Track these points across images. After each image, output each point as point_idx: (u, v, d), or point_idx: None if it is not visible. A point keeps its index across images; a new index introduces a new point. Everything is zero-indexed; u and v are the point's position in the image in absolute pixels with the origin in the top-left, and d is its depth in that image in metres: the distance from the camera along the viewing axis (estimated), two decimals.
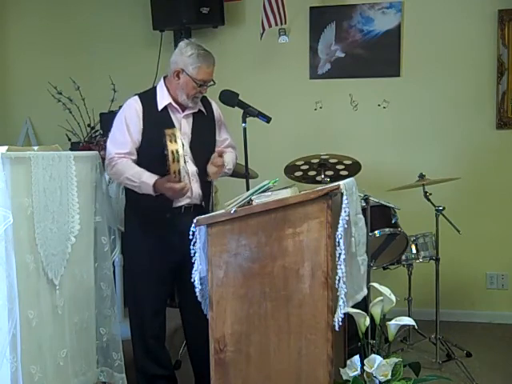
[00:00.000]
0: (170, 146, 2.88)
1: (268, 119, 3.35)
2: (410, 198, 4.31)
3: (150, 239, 3.14)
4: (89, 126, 4.84)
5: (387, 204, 3.86)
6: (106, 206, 3.20)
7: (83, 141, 4.77)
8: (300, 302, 2.53)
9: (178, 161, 2.88)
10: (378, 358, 2.52)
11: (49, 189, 2.70)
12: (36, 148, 2.77)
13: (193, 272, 2.73)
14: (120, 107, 3.26)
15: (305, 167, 4.20)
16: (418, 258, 4.10)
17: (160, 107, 3.14)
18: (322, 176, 4.11)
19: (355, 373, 2.52)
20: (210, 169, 3.16)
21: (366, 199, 3.56)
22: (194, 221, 2.67)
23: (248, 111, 3.32)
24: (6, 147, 2.48)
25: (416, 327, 3.83)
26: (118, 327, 3.18)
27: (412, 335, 4.19)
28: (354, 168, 4.18)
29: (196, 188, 3.15)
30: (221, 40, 4.93)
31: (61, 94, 4.80)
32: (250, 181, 3.41)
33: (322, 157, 4.11)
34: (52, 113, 4.97)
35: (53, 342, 2.73)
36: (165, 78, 3.22)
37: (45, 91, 4.86)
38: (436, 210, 3.90)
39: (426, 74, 4.76)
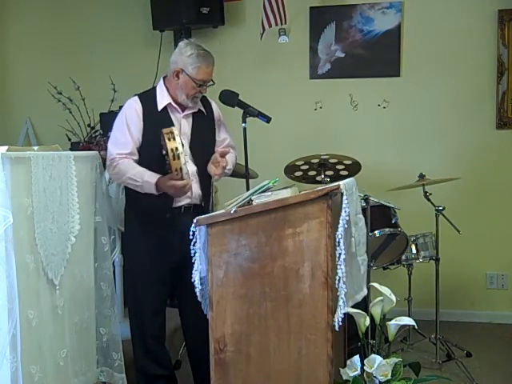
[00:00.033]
0: (169, 145, 2.87)
1: (268, 119, 3.35)
2: (410, 198, 4.31)
3: (150, 239, 3.14)
4: (89, 125, 4.84)
5: (387, 204, 3.86)
6: (106, 205, 3.20)
7: (83, 141, 4.77)
8: (300, 302, 2.53)
9: (179, 158, 2.88)
10: (378, 358, 2.52)
11: (49, 189, 2.70)
12: (36, 148, 2.77)
13: (193, 272, 2.73)
14: (120, 107, 3.26)
15: (305, 167, 4.20)
16: (418, 258, 4.10)
17: (160, 107, 3.14)
18: (322, 176, 4.11)
19: (355, 373, 2.52)
20: (211, 169, 3.15)
21: (366, 199, 3.57)
22: (194, 221, 2.67)
23: (248, 111, 3.32)
24: (5, 147, 2.48)
25: (416, 327, 3.83)
26: (118, 327, 3.18)
27: (412, 335, 4.19)
28: (353, 168, 4.18)
29: (196, 188, 3.14)
30: (221, 40, 4.94)
31: (61, 94, 4.80)
32: (250, 181, 3.41)
33: (322, 157, 4.11)
34: (52, 113, 4.97)
35: (53, 342, 2.73)
36: (164, 78, 3.22)
37: (45, 91, 4.86)
38: (436, 210, 3.90)
39: (426, 74, 4.76)
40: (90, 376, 3.04)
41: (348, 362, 2.58)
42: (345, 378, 2.55)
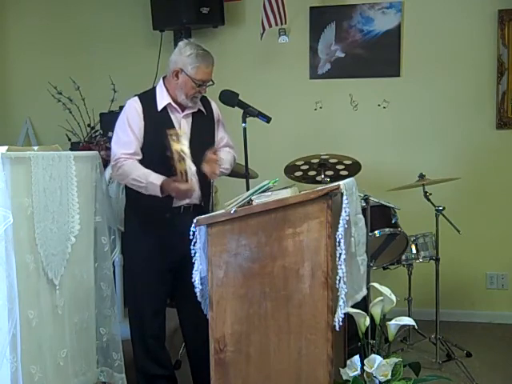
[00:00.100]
0: (175, 146, 2.86)
1: (268, 119, 3.35)
2: (410, 198, 4.31)
3: (150, 239, 3.14)
4: (89, 125, 4.84)
5: (387, 204, 3.86)
6: (106, 205, 3.20)
7: (83, 141, 4.77)
8: (300, 302, 2.52)
9: (184, 160, 2.87)
10: (378, 358, 2.52)
11: (49, 189, 2.70)
12: (36, 148, 2.78)
13: (193, 272, 2.73)
14: (120, 107, 3.27)
15: (305, 167, 4.20)
16: (418, 258, 4.10)
17: (159, 107, 3.14)
18: (322, 176, 4.11)
19: (355, 373, 2.52)
20: (205, 168, 3.13)
21: (366, 199, 3.56)
22: (194, 221, 2.67)
23: (248, 111, 3.32)
24: (5, 147, 2.48)
25: (416, 327, 3.83)
26: (118, 327, 3.18)
27: (412, 335, 4.19)
28: (354, 168, 4.18)
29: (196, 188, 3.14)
30: (221, 40, 4.94)
31: (61, 94, 4.80)
32: (250, 181, 3.41)
33: (322, 157, 4.11)
34: (52, 113, 4.97)
35: (53, 342, 2.73)
36: (164, 78, 3.22)
37: (45, 91, 4.86)
38: (436, 210, 3.90)
39: (426, 74, 4.76)
40: (89, 376, 3.04)
41: (348, 362, 2.58)
42: (345, 378, 2.55)
